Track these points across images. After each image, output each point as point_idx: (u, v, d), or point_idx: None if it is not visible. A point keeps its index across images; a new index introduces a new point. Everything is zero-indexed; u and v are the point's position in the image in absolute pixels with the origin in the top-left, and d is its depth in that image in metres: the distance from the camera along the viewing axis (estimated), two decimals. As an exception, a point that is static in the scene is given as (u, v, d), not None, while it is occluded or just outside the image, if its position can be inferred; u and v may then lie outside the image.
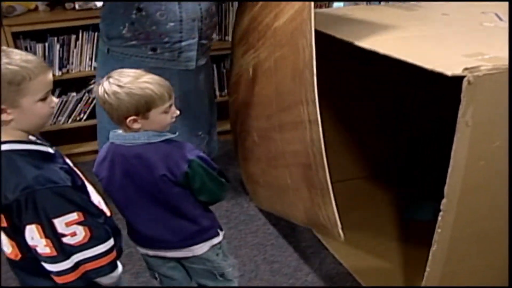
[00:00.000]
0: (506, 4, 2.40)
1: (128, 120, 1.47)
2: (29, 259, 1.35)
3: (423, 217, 2.50)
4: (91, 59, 3.05)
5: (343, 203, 2.61)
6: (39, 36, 2.97)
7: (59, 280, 1.32)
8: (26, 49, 2.96)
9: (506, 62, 1.45)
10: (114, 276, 1.42)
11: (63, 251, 1.29)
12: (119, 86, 1.45)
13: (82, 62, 3.05)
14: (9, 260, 1.41)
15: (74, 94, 3.09)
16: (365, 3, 3.17)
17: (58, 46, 2.97)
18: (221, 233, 1.74)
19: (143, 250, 1.72)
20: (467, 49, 1.66)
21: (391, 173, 2.89)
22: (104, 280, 1.40)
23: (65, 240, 1.28)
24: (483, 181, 1.58)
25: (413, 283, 1.91)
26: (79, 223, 1.29)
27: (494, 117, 1.49)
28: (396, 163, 2.89)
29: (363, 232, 2.44)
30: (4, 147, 1.27)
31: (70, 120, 3.17)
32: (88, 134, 3.06)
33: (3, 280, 2.13)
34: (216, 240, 1.71)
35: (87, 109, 3.16)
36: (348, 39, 1.84)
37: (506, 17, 2.19)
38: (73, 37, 2.99)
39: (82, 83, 2.97)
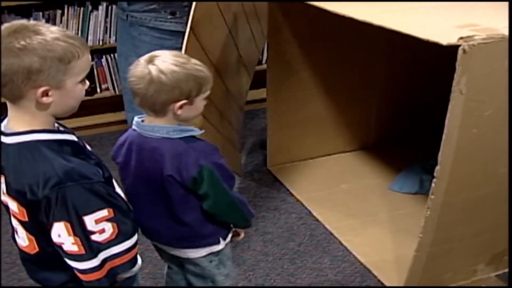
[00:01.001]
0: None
1: (178, 104, 1.37)
2: (46, 254, 1.27)
3: (410, 190, 2.57)
4: (76, 34, 3.01)
5: (333, 176, 2.71)
6: (24, 11, 2.92)
7: (84, 278, 1.22)
8: (10, 25, 2.93)
9: (498, 32, 1.49)
10: (134, 271, 1.36)
11: (91, 249, 1.19)
12: (176, 65, 1.34)
13: (68, 36, 3.02)
14: (22, 253, 1.33)
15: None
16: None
17: (43, 21, 2.92)
18: (223, 242, 1.60)
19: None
20: (460, 20, 1.69)
21: (380, 147, 2.95)
22: (124, 275, 1.33)
23: (93, 237, 1.19)
24: (476, 149, 1.64)
25: (404, 254, 1.96)
26: (108, 220, 1.20)
27: (487, 86, 1.54)
28: (384, 135, 2.95)
29: (352, 203, 2.50)
30: (31, 137, 1.16)
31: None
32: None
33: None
34: (215, 248, 1.59)
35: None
36: (341, 11, 1.86)
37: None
38: (59, 12, 2.95)
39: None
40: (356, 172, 2.77)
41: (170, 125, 1.41)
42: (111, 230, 1.21)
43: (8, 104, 1.16)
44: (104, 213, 1.19)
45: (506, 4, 1.96)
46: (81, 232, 1.17)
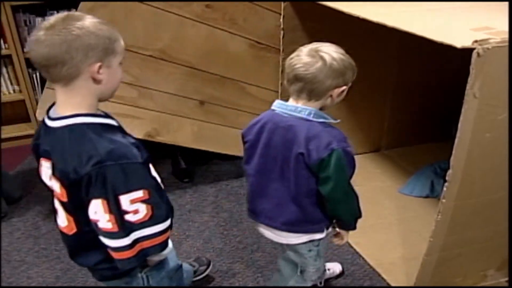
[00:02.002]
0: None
1: (340, 90, 1.51)
2: (84, 233, 1.33)
3: (421, 193, 2.56)
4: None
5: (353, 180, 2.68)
6: (39, 10, 2.95)
7: (116, 255, 1.29)
8: (25, 23, 2.96)
9: (513, 35, 1.48)
10: (164, 254, 1.41)
11: (124, 227, 1.24)
12: (343, 54, 1.49)
13: (81, 36, 3.04)
14: (62, 234, 1.40)
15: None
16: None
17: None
18: (325, 232, 1.66)
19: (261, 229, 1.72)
20: (475, 23, 1.68)
21: (393, 149, 2.94)
22: (154, 258, 1.40)
23: (127, 217, 1.24)
24: (488, 153, 1.63)
25: (413, 257, 1.94)
26: (143, 201, 1.25)
27: (501, 90, 1.52)
28: (397, 138, 2.94)
29: (363, 206, 2.47)
30: (77, 120, 1.24)
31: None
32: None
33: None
34: (317, 236, 1.64)
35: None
36: (355, 12, 1.86)
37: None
38: (73, 11, 2.96)
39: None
40: (368, 174, 2.76)
41: (309, 108, 1.50)
42: (144, 212, 1.25)
43: (58, 90, 1.24)
44: (139, 194, 1.24)
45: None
46: (116, 210, 1.22)
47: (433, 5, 2.05)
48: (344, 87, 1.51)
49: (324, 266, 1.89)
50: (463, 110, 1.50)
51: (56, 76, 1.19)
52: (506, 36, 1.47)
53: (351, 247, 2.25)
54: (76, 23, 1.18)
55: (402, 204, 2.52)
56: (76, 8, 2.83)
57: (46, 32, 1.16)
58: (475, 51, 1.41)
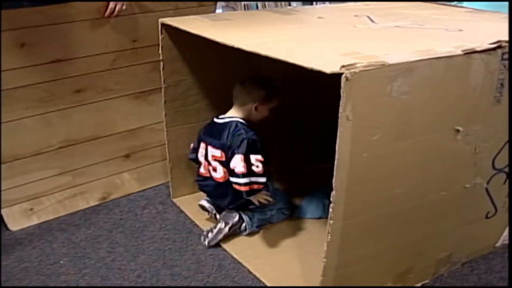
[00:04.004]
0: (380, 8, 2.57)
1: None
2: (227, 181, 2.30)
3: (314, 215, 2.60)
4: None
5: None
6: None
7: (237, 187, 2.22)
8: None
9: (379, 59, 1.55)
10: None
11: (248, 173, 2.19)
12: None
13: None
14: (215, 183, 2.40)
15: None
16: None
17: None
18: None
19: None
20: (343, 48, 1.74)
21: (282, 174, 2.96)
22: (252, 198, 2.32)
23: (252, 168, 2.20)
24: (368, 172, 1.68)
25: (312, 278, 1.96)
26: (260, 162, 2.22)
27: (372, 111, 1.58)
28: (285, 163, 2.97)
29: (259, 231, 2.50)
30: (233, 119, 2.35)
31: None
32: None
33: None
34: None
35: None
36: (229, 42, 1.87)
37: (377, 19, 2.34)
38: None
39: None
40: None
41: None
42: (260, 167, 2.21)
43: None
44: (259, 157, 2.22)
45: (392, 31, 2.06)
46: (247, 162, 2.20)
47: (304, 34, 2.13)
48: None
49: None
50: (338, 132, 1.54)
51: None
52: (373, 60, 1.53)
53: (251, 273, 2.23)
54: None
55: (296, 226, 2.55)
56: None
57: None
58: (343, 75, 1.46)
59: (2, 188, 2.49)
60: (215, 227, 2.41)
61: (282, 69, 2.53)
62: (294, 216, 2.62)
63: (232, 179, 2.24)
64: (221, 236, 2.39)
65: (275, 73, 2.42)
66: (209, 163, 2.41)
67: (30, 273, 2.22)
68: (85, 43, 2.54)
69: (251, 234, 2.47)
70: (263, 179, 2.23)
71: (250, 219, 2.44)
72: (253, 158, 2.21)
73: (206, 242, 2.40)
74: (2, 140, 2.43)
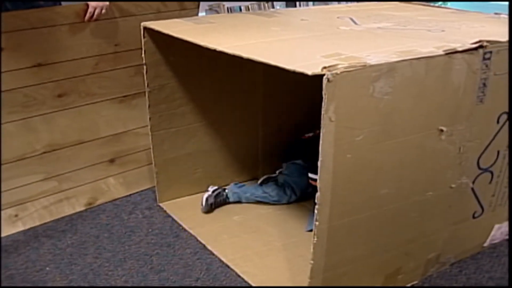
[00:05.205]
0: (362, 9, 2.58)
1: None
2: None
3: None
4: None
5: (225, 208, 2.69)
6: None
7: None
8: None
9: (361, 60, 1.55)
10: None
11: None
12: None
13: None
14: None
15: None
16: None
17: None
18: None
19: None
20: (326, 50, 1.74)
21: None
22: None
23: None
24: (353, 173, 1.68)
25: (301, 281, 1.96)
26: None
27: (355, 112, 1.58)
28: (272, 165, 2.95)
29: (246, 234, 2.50)
30: None
31: None
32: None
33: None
34: None
35: None
36: (212, 46, 1.86)
37: (360, 21, 2.34)
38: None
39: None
40: (249, 203, 2.75)
41: None
42: None
43: None
44: None
45: (374, 33, 2.06)
46: None
47: (287, 36, 2.12)
48: None
49: None
50: (321, 134, 1.54)
51: None
52: (354, 61, 1.53)
53: (239, 276, 2.22)
54: None
55: (285, 230, 2.54)
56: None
57: None
58: (325, 77, 1.45)
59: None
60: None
61: (265, 71, 2.58)
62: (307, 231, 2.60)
63: None
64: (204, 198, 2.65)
65: (257, 76, 2.44)
66: None
67: (16, 281, 2.19)
68: (66, 47, 2.52)
69: (237, 237, 2.46)
70: None
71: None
72: None
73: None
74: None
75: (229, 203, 2.72)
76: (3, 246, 2.42)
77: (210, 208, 2.65)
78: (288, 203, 2.72)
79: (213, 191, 2.67)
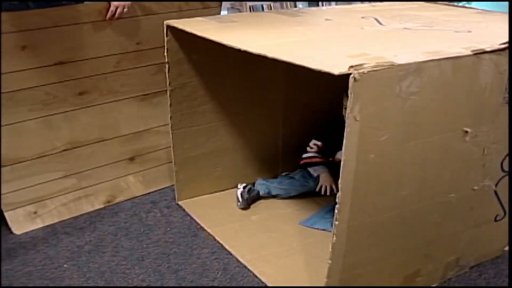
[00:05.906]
0: (387, 9, 2.56)
1: None
2: None
3: (322, 226, 2.56)
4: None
5: (251, 209, 2.69)
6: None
7: None
8: None
9: (387, 60, 1.54)
10: None
11: None
12: None
13: None
14: None
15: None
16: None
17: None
18: None
19: None
20: (351, 50, 1.73)
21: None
22: None
23: None
24: (375, 174, 1.67)
25: (318, 282, 1.95)
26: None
27: (380, 112, 1.57)
28: (293, 164, 2.94)
29: (264, 234, 2.48)
30: None
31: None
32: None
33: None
34: None
35: None
36: (236, 45, 1.86)
37: (385, 21, 2.33)
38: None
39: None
40: (266, 202, 2.75)
41: None
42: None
43: None
44: None
45: (400, 33, 2.04)
46: None
47: (311, 36, 2.11)
48: None
49: None
50: (345, 133, 1.53)
51: None
52: (380, 60, 1.52)
53: (256, 277, 2.21)
54: None
55: (303, 230, 2.53)
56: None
57: None
58: (351, 76, 1.44)
59: (7, 191, 2.49)
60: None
61: (286, 70, 2.57)
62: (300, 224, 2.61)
63: None
64: (238, 194, 2.67)
65: (278, 74, 2.44)
66: None
67: (34, 277, 2.20)
68: (88, 45, 2.54)
69: (255, 237, 2.46)
70: None
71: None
72: None
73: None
74: (4, 143, 2.43)
75: (260, 197, 2.74)
76: (21, 243, 2.44)
77: (246, 203, 2.67)
78: (314, 189, 2.73)
79: (244, 187, 2.68)
